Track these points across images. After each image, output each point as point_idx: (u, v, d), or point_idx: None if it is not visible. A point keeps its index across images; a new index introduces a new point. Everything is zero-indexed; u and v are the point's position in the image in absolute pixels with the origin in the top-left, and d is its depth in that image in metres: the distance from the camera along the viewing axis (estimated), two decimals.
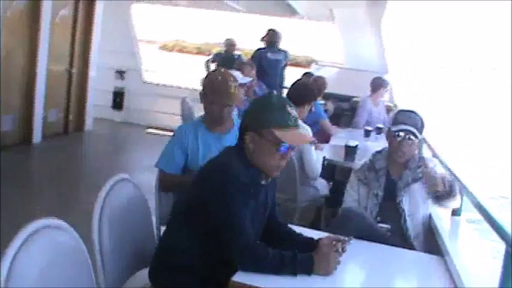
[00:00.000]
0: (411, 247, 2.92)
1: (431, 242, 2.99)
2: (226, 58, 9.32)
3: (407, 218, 3.03)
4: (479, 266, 2.59)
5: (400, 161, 3.11)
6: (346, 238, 2.23)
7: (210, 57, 9.85)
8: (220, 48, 10.12)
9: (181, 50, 39.81)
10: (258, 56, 8.05)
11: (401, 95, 9.41)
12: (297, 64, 17.94)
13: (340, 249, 2.16)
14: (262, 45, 8.28)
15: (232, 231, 2.06)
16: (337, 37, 9.55)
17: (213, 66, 9.52)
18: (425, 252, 2.83)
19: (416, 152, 3.18)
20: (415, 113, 3.16)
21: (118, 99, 9.94)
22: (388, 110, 7.25)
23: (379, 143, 4.76)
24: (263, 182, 2.24)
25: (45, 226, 1.72)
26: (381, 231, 2.83)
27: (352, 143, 4.67)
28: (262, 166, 2.18)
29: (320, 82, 6.55)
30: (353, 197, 3.16)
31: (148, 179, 3.11)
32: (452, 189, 2.83)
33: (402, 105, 8.04)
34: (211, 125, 3.12)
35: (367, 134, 5.96)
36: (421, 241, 3.03)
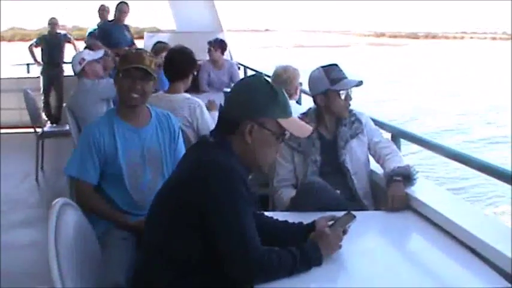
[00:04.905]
0: (363, 207, 2.74)
1: (379, 198, 2.85)
2: (51, 40, 8.76)
3: (353, 177, 2.84)
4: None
5: (344, 115, 2.90)
6: (342, 215, 2.05)
7: (33, 41, 9.08)
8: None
9: (24, 39, 37.27)
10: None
11: (239, 52, 9.34)
12: None
13: (347, 229, 2.00)
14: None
15: (244, 246, 1.74)
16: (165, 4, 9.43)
17: (37, 51, 8.86)
18: (376, 209, 2.70)
19: None
20: (337, 65, 2.94)
21: None
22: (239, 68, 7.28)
23: None
24: (250, 177, 2.00)
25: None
26: (342, 200, 2.63)
27: None
28: (259, 160, 1.91)
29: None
30: (287, 168, 2.91)
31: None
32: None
33: (245, 62, 7.97)
34: (125, 113, 2.69)
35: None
36: (370, 199, 2.87)
